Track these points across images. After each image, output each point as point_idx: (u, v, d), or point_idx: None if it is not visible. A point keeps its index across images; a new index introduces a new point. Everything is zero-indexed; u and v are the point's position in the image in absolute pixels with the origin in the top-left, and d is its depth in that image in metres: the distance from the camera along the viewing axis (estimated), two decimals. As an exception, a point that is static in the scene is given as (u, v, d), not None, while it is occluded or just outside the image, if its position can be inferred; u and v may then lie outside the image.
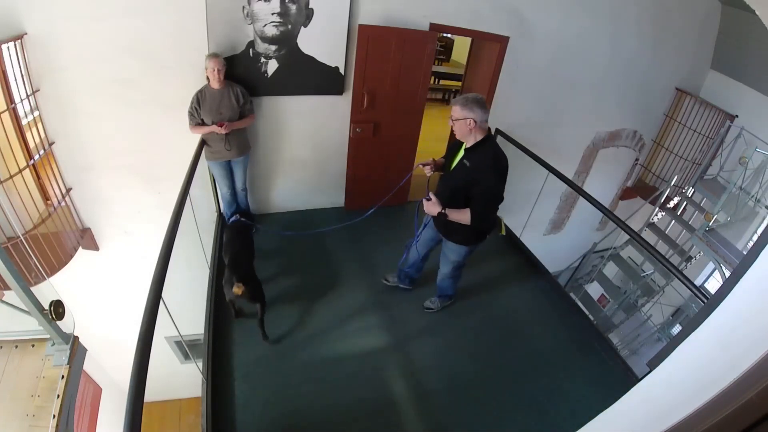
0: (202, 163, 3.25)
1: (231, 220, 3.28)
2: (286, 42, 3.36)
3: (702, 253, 4.76)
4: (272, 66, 3.43)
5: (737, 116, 4.88)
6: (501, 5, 3.85)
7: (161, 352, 5.12)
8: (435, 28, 3.73)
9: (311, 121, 3.84)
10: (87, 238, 3.81)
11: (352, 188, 4.23)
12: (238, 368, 2.57)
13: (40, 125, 3.17)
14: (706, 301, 2.33)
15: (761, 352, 0.63)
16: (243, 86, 3.26)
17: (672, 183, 5.25)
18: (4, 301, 2.18)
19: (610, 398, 1.08)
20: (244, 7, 3.12)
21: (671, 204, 5.43)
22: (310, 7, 3.26)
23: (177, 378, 5.38)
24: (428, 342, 2.94)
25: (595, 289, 5.86)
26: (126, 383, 1.30)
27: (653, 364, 1.92)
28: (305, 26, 3.33)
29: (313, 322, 2.96)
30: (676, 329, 5.47)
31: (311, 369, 2.63)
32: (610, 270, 5.85)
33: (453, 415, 2.46)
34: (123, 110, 3.30)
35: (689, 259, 5.15)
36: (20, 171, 2.98)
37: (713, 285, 5.63)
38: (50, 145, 3.26)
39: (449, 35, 9.44)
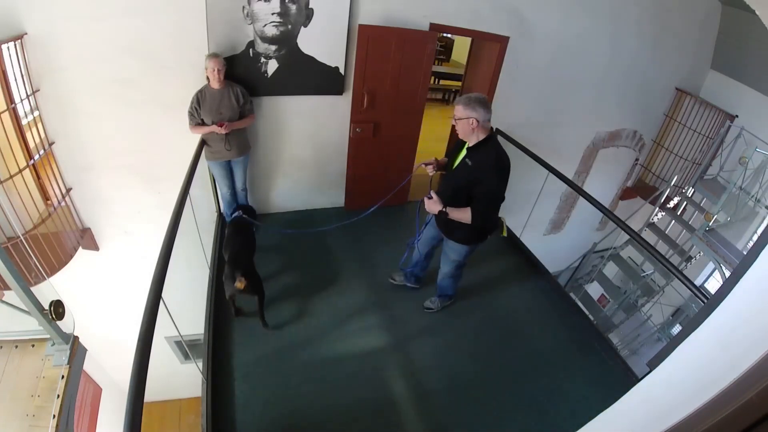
0: (202, 163, 3.25)
1: (233, 215, 3.29)
2: (286, 42, 3.36)
3: (702, 253, 4.76)
4: (272, 66, 3.43)
5: (737, 116, 4.88)
6: (501, 5, 3.85)
7: (161, 352, 5.12)
8: (435, 28, 3.73)
9: (311, 121, 3.84)
10: (87, 238, 3.81)
11: (352, 188, 4.23)
12: (238, 368, 2.57)
13: (40, 125, 3.18)
14: (706, 301, 2.33)
15: (761, 352, 0.63)
16: (243, 86, 3.26)
17: (672, 183, 5.25)
18: (4, 301, 2.18)
19: (610, 398, 1.08)
20: (244, 7, 3.12)
21: (671, 204, 5.43)
22: (310, 7, 3.26)
23: (177, 378, 5.38)
24: (428, 342, 2.94)
25: (595, 289, 5.86)
26: (126, 383, 1.30)
27: (653, 364, 1.92)
28: (305, 26, 3.33)
29: (313, 322, 2.96)
30: (676, 329, 5.47)
31: (311, 369, 2.63)
32: (610, 270, 5.85)
33: (453, 415, 2.46)
34: (123, 110, 3.30)
35: (689, 259, 5.15)
36: (20, 171, 2.98)
37: (713, 285, 5.63)
38: (50, 145, 3.26)
39: (449, 35, 9.44)
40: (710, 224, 4.50)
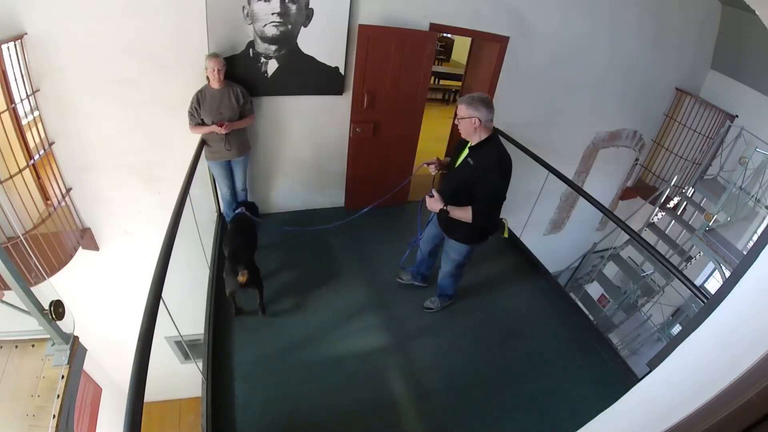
0: (202, 163, 3.25)
1: (236, 212, 3.30)
2: (286, 42, 3.36)
3: (702, 253, 4.76)
4: (272, 66, 3.43)
5: (737, 116, 4.88)
6: (501, 5, 3.85)
7: (161, 352, 5.12)
8: (435, 28, 3.73)
9: (311, 121, 3.84)
10: (87, 238, 3.81)
11: (352, 188, 4.23)
12: (238, 368, 2.57)
13: (40, 125, 3.18)
14: (706, 301, 2.33)
15: (761, 352, 0.63)
16: (243, 86, 3.27)
17: (672, 183, 5.25)
18: (4, 301, 2.18)
19: (610, 398, 1.08)
20: (244, 7, 3.12)
21: (671, 204, 5.43)
22: (310, 7, 3.26)
23: (177, 378, 5.38)
24: (428, 342, 2.94)
25: (595, 289, 5.86)
26: (126, 383, 1.30)
27: (653, 364, 1.93)
28: (305, 26, 3.33)
29: (313, 322, 2.96)
30: (676, 329, 5.47)
31: (311, 369, 2.63)
32: (610, 270, 5.85)
33: (453, 415, 2.46)
34: (123, 110, 3.30)
35: (689, 259, 5.15)
36: (20, 171, 2.98)
37: (713, 285, 5.63)
38: (50, 145, 3.26)
39: (449, 35, 9.44)
40: (710, 224, 4.50)
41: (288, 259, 3.55)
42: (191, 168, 2.83)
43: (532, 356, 2.91)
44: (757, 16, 1.48)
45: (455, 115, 2.42)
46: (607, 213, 3.19)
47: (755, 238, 4.76)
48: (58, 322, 2.07)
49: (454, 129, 5.06)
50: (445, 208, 2.39)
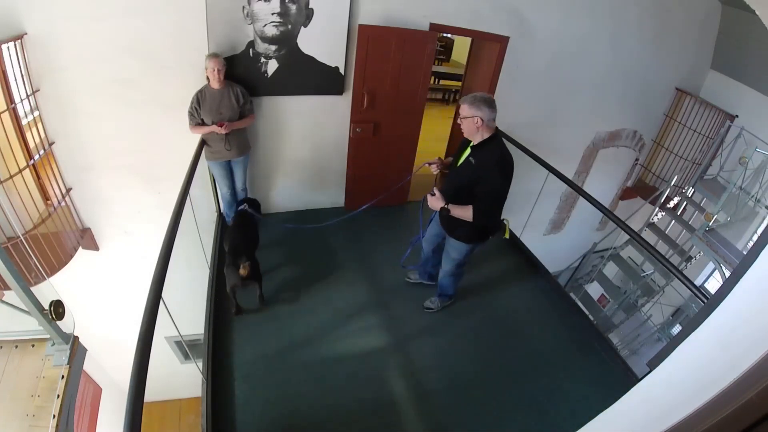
0: (202, 163, 3.25)
1: (239, 208, 3.33)
2: (286, 42, 3.36)
3: (702, 253, 4.75)
4: (272, 66, 3.43)
5: (737, 116, 4.88)
6: (501, 5, 3.85)
7: (161, 352, 5.12)
8: (435, 28, 3.73)
9: (311, 121, 3.84)
10: (87, 238, 3.81)
11: (352, 188, 4.23)
12: (238, 368, 2.57)
13: (40, 125, 3.18)
14: (706, 301, 2.33)
15: (761, 352, 0.63)
16: (243, 86, 3.26)
17: (672, 183, 5.25)
18: (4, 301, 2.18)
19: (610, 398, 1.08)
20: (244, 7, 3.12)
21: (671, 204, 5.43)
22: (310, 7, 3.26)
23: (177, 378, 5.38)
24: (428, 342, 2.94)
25: (595, 289, 5.86)
26: (126, 383, 1.30)
27: (653, 364, 1.93)
28: (305, 26, 3.33)
29: (313, 322, 2.96)
30: (676, 329, 5.47)
31: (311, 369, 2.63)
32: (610, 270, 5.85)
33: (453, 415, 2.46)
34: (123, 110, 3.30)
35: (689, 259, 5.15)
36: (20, 171, 2.98)
37: (713, 285, 5.63)
38: (50, 145, 3.26)
39: (449, 35, 9.44)
40: (710, 224, 4.50)
41: (288, 258, 3.55)
42: (191, 168, 2.83)
43: (532, 356, 2.91)
44: (757, 16, 1.49)
45: (455, 114, 2.43)
46: (607, 213, 3.19)
47: (755, 238, 4.76)
48: (58, 322, 2.07)
49: (454, 129, 5.06)
50: (445, 206, 2.40)
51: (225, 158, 3.39)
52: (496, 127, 2.37)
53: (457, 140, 4.92)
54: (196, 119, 3.19)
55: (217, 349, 2.67)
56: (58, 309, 2.00)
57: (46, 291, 2.27)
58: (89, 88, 3.14)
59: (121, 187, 3.69)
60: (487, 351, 2.93)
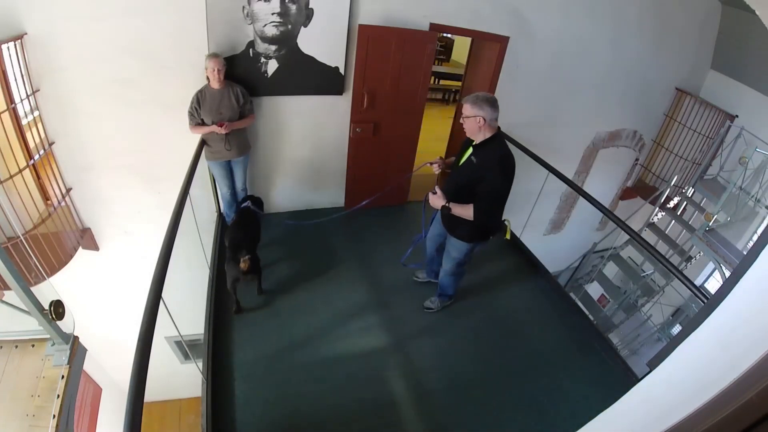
0: (202, 163, 3.25)
1: (242, 205, 3.37)
2: (286, 42, 3.36)
3: (702, 253, 4.75)
4: (272, 66, 3.43)
5: (737, 116, 4.88)
6: (501, 5, 3.85)
7: (161, 352, 5.12)
8: (435, 28, 3.73)
9: (311, 121, 3.84)
10: (87, 238, 3.81)
11: (352, 188, 4.23)
12: (238, 368, 2.57)
13: (40, 125, 3.18)
14: (706, 301, 2.33)
15: (761, 352, 0.63)
16: (243, 86, 3.26)
17: (672, 183, 5.25)
18: (4, 301, 2.18)
19: (610, 398, 1.08)
20: (244, 7, 3.12)
21: (671, 204, 5.42)
22: (310, 7, 3.26)
23: (177, 378, 5.38)
24: (428, 342, 2.94)
25: (595, 289, 5.86)
26: (126, 383, 1.30)
27: (653, 364, 1.93)
28: (305, 26, 3.33)
29: (313, 322, 2.96)
30: (676, 329, 5.47)
31: (311, 369, 2.63)
32: (610, 270, 5.85)
33: (453, 415, 2.46)
34: (123, 110, 3.30)
35: (689, 259, 5.15)
36: (20, 171, 2.98)
37: (713, 285, 5.63)
38: (50, 145, 3.26)
39: (449, 35, 9.44)
40: (710, 224, 4.50)
41: (288, 258, 3.55)
42: (191, 168, 2.83)
43: (532, 356, 2.91)
44: (757, 16, 1.49)
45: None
46: (607, 213, 3.19)
47: (755, 238, 4.76)
48: (58, 322, 2.07)
49: (454, 129, 5.06)
50: (446, 205, 2.42)
51: (225, 158, 3.39)
52: (498, 127, 2.38)
53: (457, 140, 4.94)
54: (196, 119, 3.19)
55: (217, 349, 2.67)
56: (58, 309, 2.00)
57: (46, 291, 2.27)
58: (89, 88, 3.14)
59: (121, 187, 3.69)
60: (487, 351, 2.93)
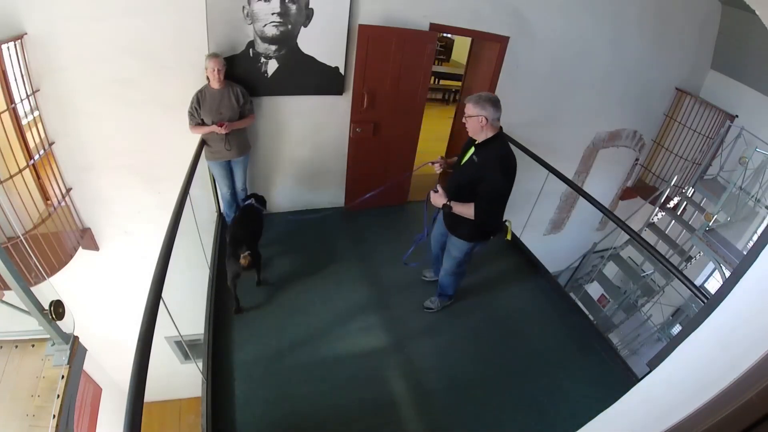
0: (202, 163, 3.25)
1: (246, 202, 3.41)
2: (286, 42, 3.36)
3: (702, 253, 4.75)
4: (272, 66, 3.43)
5: (737, 116, 4.88)
6: (501, 5, 3.85)
7: (161, 352, 5.12)
8: (435, 28, 3.73)
9: (311, 121, 3.84)
10: (87, 238, 3.81)
11: (352, 188, 4.23)
12: (238, 368, 2.57)
13: (40, 125, 3.17)
14: (706, 301, 2.33)
15: (761, 352, 0.63)
16: (243, 86, 3.26)
17: (672, 183, 5.25)
18: (4, 301, 2.18)
19: (610, 398, 1.08)
20: (244, 7, 3.12)
21: (671, 204, 5.42)
22: (310, 7, 3.26)
23: (177, 378, 5.38)
24: (428, 342, 2.94)
25: (595, 289, 5.86)
26: (126, 383, 1.30)
27: (653, 364, 1.93)
28: (305, 26, 3.33)
29: (313, 322, 2.96)
30: (676, 329, 5.47)
31: (311, 369, 2.63)
32: (610, 270, 5.85)
33: (453, 415, 2.46)
34: (123, 110, 3.30)
35: (689, 259, 5.15)
36: (20, 171, 2.98)
37: (713, 285, 5.63)
38: (50, 145, 3.26)
39: (449, 35, 9.44)
40: (710, 224, 4.49)
41: (288, 258, 3.55)
42: (191, 168, 2.83)
43: (532, 356, 2.91)
44: (757, 16, 1.49)
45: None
46: (607, 213, 3.19)
47: (755, 238, 4.76)
48: (58, 322, 2.07)
49: (454, 129, 5.06)
50: (448, 203, 2.43)
51: (225, 158, 3.39)
52: (501, 127, 2.38)
53: (457, 140, 4.94)
54: (196, 119, 3.19)
55: (217, 349, 2.67)
56: (58, 309, 2.00)
57: (46, 291, 2.27)
58: (89, 88, 3.14)
59: (121, 187, 3.69)
60: (487, 351, 2.93)
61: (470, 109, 2.31)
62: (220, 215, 3.95)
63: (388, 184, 3.20)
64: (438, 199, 2.46)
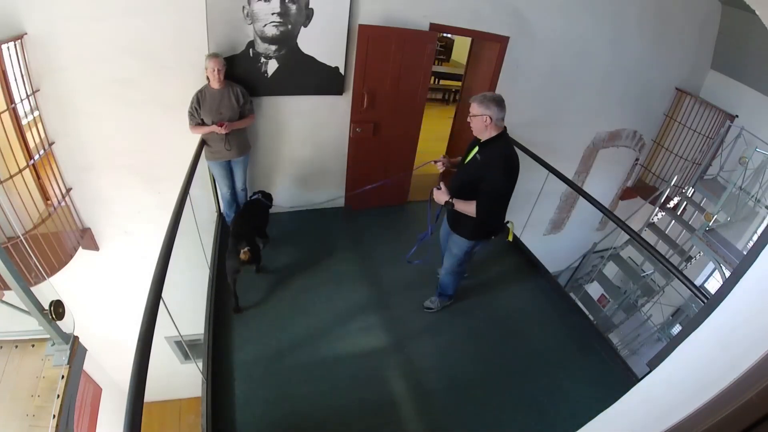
0: (202, 163, 3.25)
1: (252, 197, 3.47)
2: (286, 42, 3.36)
3: (702, 253, 4.75)
4: (272, 66, 3.43)
5: (737, 116, 4.88)
6: (501, 5, 3.85)
7: (161, 352, 5.12)
8: (435, 28, 3.73)
9: (311, 121, 3.84)
10: (87, 238, 3.81)
11: (352, 188, 4.23)
12: (238, 368, 2.57)
13: (40, 125, 3.17)
14: (706, 301, 2.33)
15: (761, 352, 0.63)
16: (243, 86, 3.26)
17: (672, 183, 5.25)
18: (4, 301, 2.18)
19: (610, 398, 1.08)
20: (244, 7, 3.12)
21: (671, 204, 5.42)
22: (310, 7, 3.26)
23: (177, 378, 5.38)
24: (428, 342, 2.94)
25: (595, 289, 5.86)
26: (126, 383, 1.30)
27: (653, 364, 1.93)
28: (305, 26, 3.33)
29: (313, 322, 2.96)
30: (676, 329, 5.47)
31: (311, 369, 2.63)
32: (610, 270, 5.85)
33: (453, 415, 2.46)
34: (123, 110, 3.30)
35: (689, 259, 5.15)
36: (20, 171, 2.98)
37: (713, 285, 5.63)
38: (50, 145, 3.26)
39: (449, 35, 9.44)
40: (710, 224, 4.49)
41: (288, 258, 3.55)
42: (191, 168, 2.83)
43: (532, 356, 2.91)
44: (757, 16, 1.49)
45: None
46: (607, 213, 3.19)
47: (755, 238, 4.76)
48: (58, 322, 2.07)
49: (454, 129, 5.06)
50: (450, 200, 2.45)
51: (225, 158, 3.39)
52: (505, 127, 2.40)
53: (457, 140, 4.94)
54: (196, 119, 3.19)
55: (217, 349, 2.67)
56: (58, 309, 2.00)
57: (46, 291, 2.27)
58: (89, 88, 3.14)
59: (121, 187, 3.69)
60: (487, 351, 2.93)
61: (475, 108, 2.34)
62: (220, 215, 3.95)
63: (393, 178, 3.20)
64: (441, 196, 2.49)
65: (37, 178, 3.34)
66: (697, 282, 5.54)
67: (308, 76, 3.56)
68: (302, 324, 2.93)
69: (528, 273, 3.74)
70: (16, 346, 2.27)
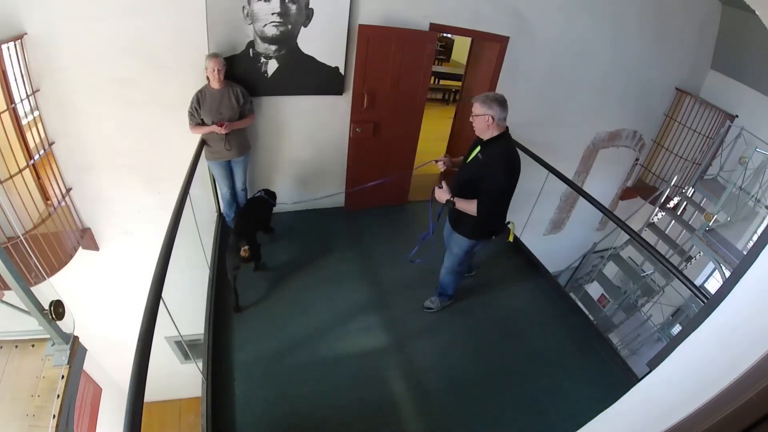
0: (202, 163, 3.25)
1: (256, 194, 3.50)
2: (286, 42, 3.36)
3: (702, 253, 4.75)
4: (272, 66, 3.43)
5: (737, 116, 4.88)
6: (501, 5, 3.85)
7: (161, 352, 5.12)
8: (435, 28, 3.73)
9: (311, 121, 3.84)
10: (87, 238, 3.81)
11: (352, 188, 4.23)
12: (238, 368, 2.57)
13: (40, 125, 3.18)
14: (706, 301, 2.33)
15: (761, 352, 0.63)
16: (243, 86, 3.26)
17: (672, 183, 5.25)
18: (4, 301, 2.18)
19: (610, 398, 1.08)
20: (244, 7, 3.12)
21: (671, 204, 5.42)
22: (310, 7, 3.26)
23: (177, 378, 5.38)
24: (428, 342, 2.94)
25: (595, 289, 5.86)
26: (126, 383, 1.30)
27: (653, 364, 1.93)
28: (305, 26, 3.33)
29: (313, 322, 2.96)
30: (676, 329, 5.47)
31: (311, 369, 2.63)
32: (610, 270, 5.85)
33: (453, 415, 2.46)
34: (123, 110, 3.30)
35: (689, 259, 5.15)
36: (20, 171, 2.98)
37: (713, 285, 5.63)
38: (50, 145, 3.26)
39: (449, 35, 9.44)
40: (710, 224, 4.49)
41: (288, 258, 3.55)
42: (191, 168, 2.83)
43: (532, 356, 2.91)
44: (757, 16, 1.49)
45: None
46: (607, 213, 3.19)
47: (755, 238, 4.75)
48: (58, 322, 2.07)
49: (454, 129, 5.06)
50: (451, 199, 2.47)
51: (225, 158, 3.39)
52: (507, 127, 2.40)
53: (457, 140, 4.94)
54: (196, 119, 3.19)
55: (217, 349, 2.67)
56: (58, 309, 2.00)
57: (46, 291, 2.27)
58: (89, 88, 3.14)
59: (121, 187, 3.69)
60: (487, 351, 2.93)
61: (477, 108, 2.34)
62: (220, 215, 3.95)
63: (393, 176, 3.19)
64: (442, 194, 2.51)
65: (37, 178, 3.34)
66: (697, 282, 5.54)
67: (308, 76, 3.56)
68: (302, 324, 2.93)
69: (528, 273, 3.74)
70: (16, 346, 2.27)
